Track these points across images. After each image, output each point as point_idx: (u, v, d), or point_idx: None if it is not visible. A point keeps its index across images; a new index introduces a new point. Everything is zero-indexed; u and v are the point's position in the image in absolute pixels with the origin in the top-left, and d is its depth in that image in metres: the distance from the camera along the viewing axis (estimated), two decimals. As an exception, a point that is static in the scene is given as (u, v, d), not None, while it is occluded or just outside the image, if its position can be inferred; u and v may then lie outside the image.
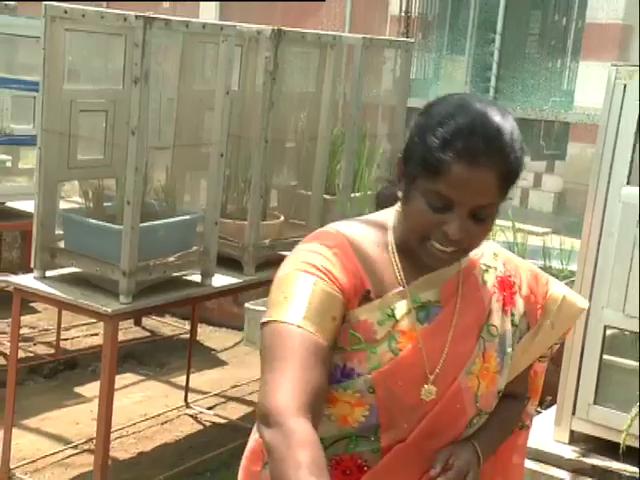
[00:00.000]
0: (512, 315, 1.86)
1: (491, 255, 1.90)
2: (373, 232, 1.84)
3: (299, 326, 1.64)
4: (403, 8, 10.85)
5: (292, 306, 1.67)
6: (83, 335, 6.21)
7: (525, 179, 10.56)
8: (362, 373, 1.72)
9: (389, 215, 1.85)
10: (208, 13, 12.11)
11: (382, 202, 1.94)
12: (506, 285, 1.87)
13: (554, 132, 11.40)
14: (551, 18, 11.83)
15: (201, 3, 12.14)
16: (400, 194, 1.77)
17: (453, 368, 1.77)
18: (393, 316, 1.75)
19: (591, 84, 10.18)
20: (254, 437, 1.91)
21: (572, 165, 10.62)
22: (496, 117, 1.68)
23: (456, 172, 1.64)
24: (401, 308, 1.76)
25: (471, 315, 1.81)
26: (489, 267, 1.87)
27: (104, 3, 11.07)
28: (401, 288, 1.77)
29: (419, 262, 1.78)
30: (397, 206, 1.82)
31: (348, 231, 1.81)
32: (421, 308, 1.78)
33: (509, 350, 1.84)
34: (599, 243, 2.93)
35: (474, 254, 1.85)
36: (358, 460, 1.78)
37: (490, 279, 1.86)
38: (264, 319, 1.69)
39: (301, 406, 1.56)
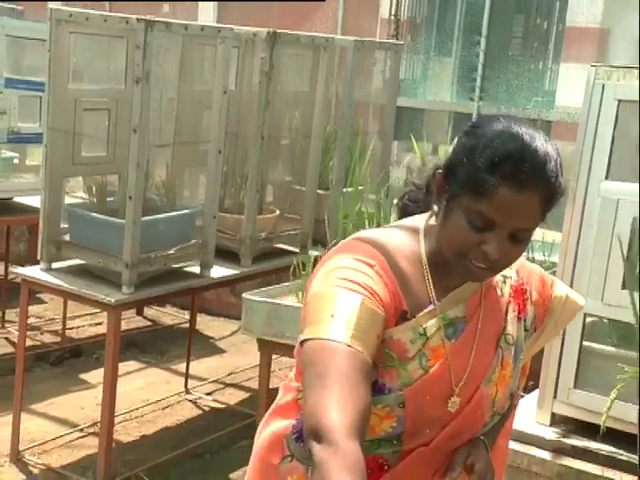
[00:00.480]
0: (524, 321, 1.86)
1: None
2: (405, 245, 1.78)
3: (348, 345, 1.58)
4: (393, 12, 10.82)
5: (339, 324, 1.60)
6: (87, 324, 6.20)
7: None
8: (393, 389, 1.71)
9: (418, 225, 1.81)
10: (207, 13, 12.08)
11: (408, 209, 1.92)
12: (519, 293, 1.86)
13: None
14: (533, 22, 11.80)
15: (200, 3, 12.11)
16: (436, 208, 1.73)
17: (476, 379, 1.77)
18: (425, 334, 1.72)
19: (571, 85, 10.17)
20: (271, 429, 1.87)
21: (554, 162, 10.61)
22: (543, 144, 1.64)
23: (502, 195, 1.60)
24: (432, 327, 1.73)
25: (491, 327, 1.80)
26: (506, 277, 1.84)
27: (106, 4, 11.02)
28: (432, 306, 1.74)
29: (447, 277, 1.75)
30: (426, 216, 1.79)
31: (382, 246, 1.76)
32: (449, 325, 1.76)
33: (521, 356, 1.86)
34: (579, 235, 2.93)
35: None
36: (379, 460, 1.77)
37: (506, 289, 1.84)
38: (307, 336, 1.63)
39: (353, 426, 1.51)
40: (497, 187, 1.60)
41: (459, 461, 1.77)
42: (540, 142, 1.63)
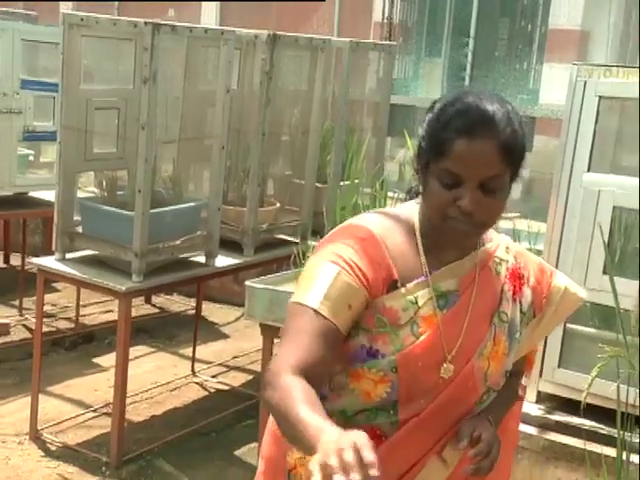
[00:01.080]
0: (520, 304, 1.86)
1: (504, 248, 1.88)
2: (400, 223, 1.82)
3: (315, 310, 1.65)
4: (386, 15, 10.83)
5: (312, 290, 1.68)
6: (99, 312, 6.21)
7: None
8: (386, 354, 1.72)
9: (414, 207, 1.84)
10: (209, 14, 12.06)
11: (412, 196, 1.94)
12: (516, 276, 1.86)
13: (522, 127, 11.38)
14: (518, 24, 11.82)
15: (203, 4, 12.09)
16: (420, 187, 1.77)
17: (468, 350, 1.77)
18: (416, 303, 1.74)
19: (554, 83, 10.19)
20: None
21: (538, 156, 10.56)
22: (491, 100, 1.69)
23: (459, 148, 1.65)
24: (423, 296, 1.75)
25: (485, 303, 1.80)
26: (502, 260, 1.85)
27: (115, 4, 11.00)
28: (424, 278, 1.76)
29: (443, 251, 1.78)
30: (420, 199, 1.82)
31: (377, 224, 1.80)
32: (441, 296, 1.77)
33: (517, 335, 1.84)
34: (563, 224, 2.94)
35: (489, 247, 1.85)
36: (377, 431, 1.76)
37: (502, 271, 1.84)
38: (290, 299, 1.71)
39: (295, 368, 1.57)
40: (453, 142, 1.65)
41: (466, 432, 1.76)
42: (488, 98, 1.69)
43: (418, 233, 1.79)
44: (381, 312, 1.72)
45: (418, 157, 1.76)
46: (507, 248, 1.88)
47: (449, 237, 1.74)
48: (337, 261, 1.70)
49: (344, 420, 1.75)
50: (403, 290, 1.74)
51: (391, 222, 1.82)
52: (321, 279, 1.69)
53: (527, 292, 1.88)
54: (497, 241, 1.88)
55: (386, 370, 1.72)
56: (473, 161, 1.65)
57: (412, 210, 1.83)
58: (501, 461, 1.92)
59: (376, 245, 1.75)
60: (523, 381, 2.04)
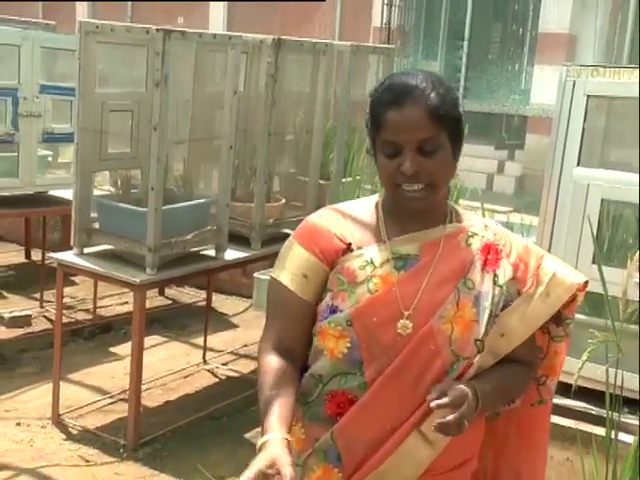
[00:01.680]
0: (495, 276, 1.80)
1: (481, 226, 1.86)
2: (366, 202, 1.91)
3: (277, 279, 1.83)
4: (384, 20, 10.82)
5: (279, 263, 1.85)
6: (115, 303, 6.21)
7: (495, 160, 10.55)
8: (343, 309, 1.76)
9: (381, 191, 1.90)
10: (217, 18, 12.06)
11: None
12: (491, 250, 1.82)
13: (514, 125, 11.39)
14: (510, 28, 11.82)
15: (211, 5, 12.09)
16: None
17: (426, 310, 1.74)
18: (372, 263, 1.78)
19: (544, 84, 10.18)
20: None
21: (530, 153, 10.61)
22: (415, 74, 1.76)
23: (391, 118, 1.71)
24: (380, 257, 1.78)
25: (448, 269, 1.78)
26: (475, 234, 1.83)
27: (128, 4, 10.99)
28: (382, 242, 1.80)
29: (407, 223, 1.81)
30: None
31: (340, 205, 1.91)
32: (399, 259, 1.78)
33: (487, 304, 1.77)
34: (554, 217, 2.94)
35: (463, 224, 1.84)
36: (349, 395, 1.76)
37: (475, 243, 1.82)
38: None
39: (273, 346, 1.79)
40: (386, 114, 1.72)
41: (437, 389, 1.70)
42: (414, 75, 1.76)
43: (380, 207, 1.85)
44: (340, 272, 1.79)
45: (368, 138, 1.82)
46: (485, 226, 1.87)
47: (404, 204, 1.78)
48: (296, 237, 1.85)
49: (322, 386, 1.79)
50: (359, 252, 1.80)
51: (356, 202, 1.94)
52: (283, 255, 1.85)
53: (506, 267, 1.82)
54: (475, 221, 1.88)
55: (343, 324, 1.75)
56: (405, 127, 1.70)
57: (379, 195, 1.91)
58: (530, 477, 1.94)
59: (333, 218, 1.85)
60: (549, 384, 1.95)
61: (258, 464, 1.53)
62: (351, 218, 1.84)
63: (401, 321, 1.74)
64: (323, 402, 1.80)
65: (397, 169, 1.72)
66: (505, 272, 1.81)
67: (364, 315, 1.74)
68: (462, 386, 1.71)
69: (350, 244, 1.80)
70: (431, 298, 1.75)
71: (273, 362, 1.76)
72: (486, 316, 1.77)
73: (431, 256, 1.78)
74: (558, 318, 1.89)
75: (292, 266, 1.81)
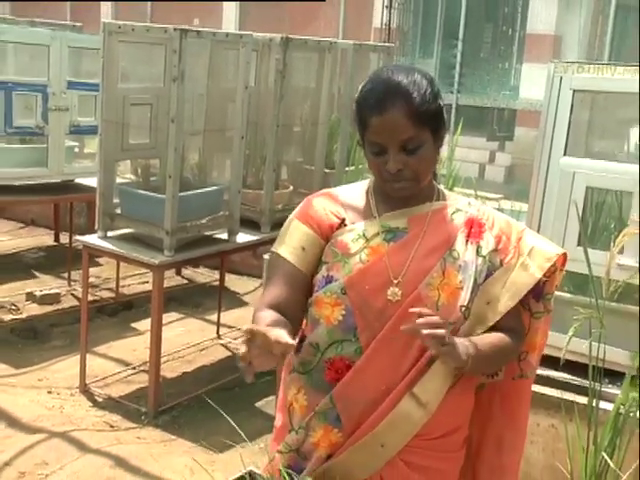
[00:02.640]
0: (478, 247, 1.80)
1: (465, 203, 1.87)
2: (358, 185, 1.93)
3: (277, 252, 1.82)
4: (384, 21, 10.77)
5: (279, 240, 1.85)
6: (136, 283, 6.21)
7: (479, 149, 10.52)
8: (338, 279, 1.77)
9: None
10: (229, 19, 12.02)
11: None
12: (474, 223, 1.82)
13: (504, 119, 11.35)
14: (500, 29, 11.77)
15: (224, 5, 12.05)
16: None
17: (415, 278, 1.75)
18: (364, 236, 1.79)
19: (532, 81, 10.13)
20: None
21: (519, 144, 10.57)
22: (397, 74, 1.73)
23: (375, 121, 1.71)
24: (371, 231, 1.80)
25: (435, 240, 1.78)
26: (459, 210, 1.84)
27: (147, 4, 10.95)
28: (373, 218, 1.82)
29: (394, 202, 1.82)
30: None
31: (337, 187, 1.94)
32: (389, 232, 1.80)
33: (471, 273, 1.77)
34: (542, 203, 2.91)
35: (447, 202, 1.85)
36: (346, 361, 1.77)
37: (459, 218, 1.83)
38: None
39: (267, 305, 1.75)
40: (370, 117, 1.72)
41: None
42: (395, 74, 1.73)
43: (371, 189, 1.86)
44: (334, 245, 1.80)
45: (358, 134, 1.83)
46: (469, 204, 1.87)
47: (391, 194, 1.79)
48: (296, 215, 1.86)
49: (320, 354, 1.80)
50: (352, 226, 1.81)
51: (350, 186, 1.94)
52: (283, 231, 1.86)
53: (489, 239, 1.82)
54: (459, 199, 1.89)
55: (338, 293, 1.76)
56: (388, 131, 1.71)
57: (370, 179, 1.91)
58: (509, 454, 1.93)
59: (329, 197, 1.86)
60: (530, 360, 1.92)
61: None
62: (345, 199, 1.87)
63: (391, 288, 1.75)
64: (323, 370, 1.80)
65: (383, 166, 1.74)
66: (488, 243, 1.82)
67: (357, 283, 1.75)
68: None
69: (344, 219, 1.82)
70: (419, 267, 1.76)
71: (268, 312, 1.73)
72: (470, 284, 1.77)
73: (419, 229, 1.79)
74: (538, 293, 1.87)
75: (291, 240, 1.81)
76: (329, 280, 1.78)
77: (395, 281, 1.74)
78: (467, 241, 1.80)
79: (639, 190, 2.68)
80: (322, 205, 1.84)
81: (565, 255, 1.87)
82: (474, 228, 1.82)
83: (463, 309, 1.76)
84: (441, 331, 1.60)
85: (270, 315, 1.71)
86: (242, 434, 2.00)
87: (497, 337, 1.80)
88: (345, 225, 1.81)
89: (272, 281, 1.81)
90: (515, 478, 1.99)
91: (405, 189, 1.76)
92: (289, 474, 1.75)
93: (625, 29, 9.87)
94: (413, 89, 1.71)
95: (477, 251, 1.80)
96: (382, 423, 1.74)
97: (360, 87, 1.79)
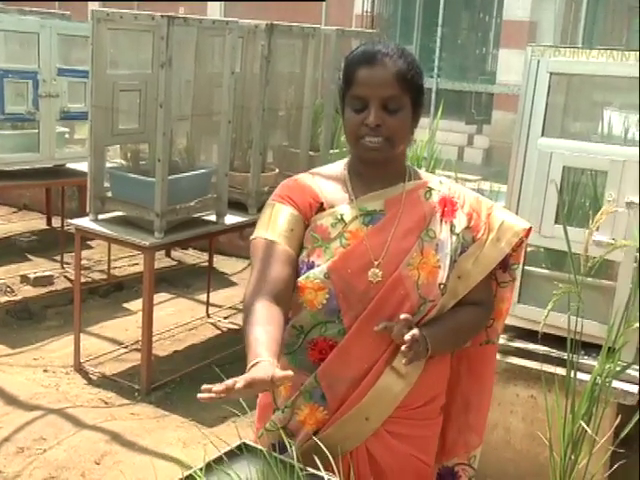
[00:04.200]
0: (452, 226, 1.81)
1: (437, 182, 1.87)
2: (335, 166, 1.91)
3: (264, 238, 1.76)
4: (365, 8, 10.73)
5: (262, 225, 1.79)
6: (127, 264, 6.18)
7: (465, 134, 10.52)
8: (320, 264, 1.75)
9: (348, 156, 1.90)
10: (214, 10, 11.91)
11: None
12: (447, 202, 1.83)
13: (482, 103, 11.36)
14: (477, 16, 11.76)
15: (209, 2, 11.94)
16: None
17: (394, 259, 1.75)
18: (342, 220, 1.78)
19: (509, 66, 10.15)
20: None
21: (496, 128, 10.59)
22: (387, 43, 1.77)
23: (361, 74, 1.72)
24: (350, 215, 1.78)
25: (411, 221, 1.78)
26: (432, 189, 1.84)
27: (134, 4, 10.85)
28: (349, 201, 1.80)
29: (370, 183, 1.81)
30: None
31: (313, 169, 1.91)
32: (366, 215, 1.78)
33: (447, 251, 1.78)
34: (521, 182, 2.92)
35: (420, 181, 1.85)
36: (330, 342, 1.77)
37: (433, 197, 1.83)
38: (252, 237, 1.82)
39: (259, 292, 1.67)
40: (357, 71, 1.73)
41: (385, 323, 1.73)
42: (386, 44, 1.77)
43: (346, 171, 1.85)
44: (314, 230, 1.78)
45: (339, 96, 1.82)
46: (440, 182, 1.88)
47: (364, 155, 1.77)
48: (276, 199, 1.82)
49: (304, 336, 1.79)
50: (330, 210, 1.79)
51: (326, 167, 1.92)
52: (266, 215, 1.80)
53: (461, 217, 1.83)
54: (431, 178, 1.89)
55: (321, 278, 1.74)
56: (373, 83, 1.71)
57: (346, 158, 1.90)
58: (476, 414, 1.96)
59: (306, 180, 1.83)
60: (495, 326, 1.96)
61: (251, 375, 1.48)
62: (321, 181, 1.85)
63: (372, 270, 1.74)
64: (306, 350, 1.80)
65: (362, 122, 1.73)
66: (460, 221, 1.83)
67: (340, 267, 1.74)
68: (416, 329, 1.72)
69: (322, 203, 1.80)
70: (398, 248, 1.76)
71: (259, 302, 1.66)
72: (447, 262, 1.78)
73: (395, 210, 1.79)
74: (505, 264, 1.90)
75: (276, 223, 1.77)
76: (310, 266, 1.76)
77: (376, 263, 1.74)
78: (441, 220, 1.81)
79: (639, 171, 2.69)
80: (300, 187, 1.82)
81: (530, 228, 1.91)
82: (447, 207, 1.83)
83: (441, 286, 1.78)
84: (405, 348, 1.68)
85: (261, 310, 1.64)
86: (233, 410, 1.99)
87: (460, 317, 1.82)
88: (324, 209, 1.79)
89: (261, 263, 1.73)
90: (481, 434, 2.02)
91: (377, 149, 1.74)
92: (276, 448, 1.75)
93: (597, 15, 9.89)
94: (402, 55, 1.75)
95: (451, 229, 1.81)
96: (365, 398, 1.75)
97: (349, 52, 1.80)
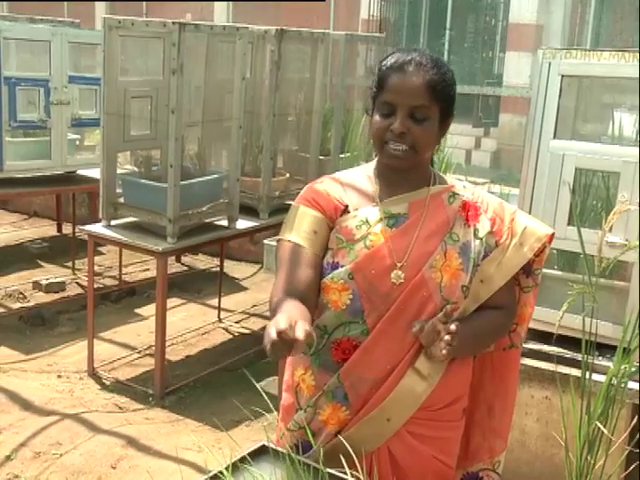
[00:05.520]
0: (475, 230, 1.82)
1: (461, 187, 1.89)
2: (362, 169, 1.92)
3: (289, 240, 1.79)
4: (372, 12, 10.77)
5: (287, 227, 1.82)
6: (138, 270, 6.20)
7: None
8: (344, 264, 1.77)
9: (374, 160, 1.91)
10: (221, 15, 11.94)
11: None
12: (470, 207, 1.84)
13: (489, 106, 11.37)
14: (483, 20, 11.78)
15: (215, 4, 11.97)
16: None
17: (417, 262, 1.76)
18: (367, 222, 1.79)
19: (515, 69, 10.16)
20: None
21: (503, 131, 10.60)
22: (422, 52, 1.79)
23: (393, 80, 1.74)
24: (374, 217, 1.80)
25: (435, 224, 1.80)
26: (456, 194, 1.86)
27: (143, 4, 10.88)
28: (374, 204, 1.82)
29: (395, 187, 1.82)
30: None
31: (338, 173, 1.92)
32: (391, 218, 1.80)
33: (472, 255, 1.80)
34: (534, 183, 2.92)
35: (444, 186, 1.86)
36: (353, 342, 1.78)
37: (456, 202, 1.84)
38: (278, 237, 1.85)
39: (285, 293, 1.71)
40: (389, 77, 1.75)
41: (419, 322, 1.75)
42: (420, 52, 1.78)
43: (373, 175, 1.86)
44: (339, 232, 1.80)
45: (370, 99, 1.82)
46: (464, 187, 1.89)
47: (388, 161, 1.79)
48: (301, 201, 1.83)
49: (328, 336, 1.81)
50: (355, 212, 1.81)
51: (351, 171, 1.94)
52: (291, 217, 1.83)
53: (484, 221, 1.84)
54: (455, 183, 1.90)
55: (345, 278, 1.76)
56: (403, 91, 1.73)
57: (373, 162, 1.91)
58: (500, 418, 1.96)
59: (332, 184, 1.85)
60: (519, 331, 1.97)
61: (278, 323, 1.49)
62: (347, 184, 1.86)
63: (394, 272, 1.76)
64: (329, 350, 1.82)
65: (387, 127, 1.75)
66: (484, 226, 1.84)
67: (363, 268, 1.76)
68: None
69: (347, 206, 1.82)
70: (421, 250, 1.78)
71: (285, 299, 1.69)
72: (470, 265, 1.80)
73: (419, 214, 1.80)
74: (528, 269, 1.91)
75: (301, 226, 1.80)
76: (335, 266, 1.78)
77: (399, 264, 1.76)
78: (465, 224, 1.82)
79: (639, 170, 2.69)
80: (325, 191, 1.83)
81: (553, 234, 1.91)
82: (470, 211, 1.84)
83: (464, 288, 1.79)
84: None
85: (288, 301, 1.67)
86: (247, 414, 2.00)
87: (486, 321, 1.84)
88: (348, 212, 1.81)
89: (286, 265, 1.77)
90: (506, 439, 2.03)
91: (401, 157, 1.75)
92: (298, 449, 1.76)
93: (603, 17, 9.89)
94: (437, 66, 1.76)
95: (474, 234, 1.82)
96: (388, 398, 1.76)
97: (384, 56, 1.82)
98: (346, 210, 1.81)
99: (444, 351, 1.71)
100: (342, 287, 1.76)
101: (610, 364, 2.58)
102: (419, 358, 1.77)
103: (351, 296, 1.76)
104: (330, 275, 1.78)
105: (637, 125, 3.14)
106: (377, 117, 1.77)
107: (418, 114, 1.73)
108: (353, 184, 1.86)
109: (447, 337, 1.69)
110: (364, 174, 1.88)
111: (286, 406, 1.93)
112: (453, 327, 1.70)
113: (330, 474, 1.53)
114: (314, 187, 1.86)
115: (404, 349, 1.77)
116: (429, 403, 1.80)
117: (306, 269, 1.76)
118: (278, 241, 1.84)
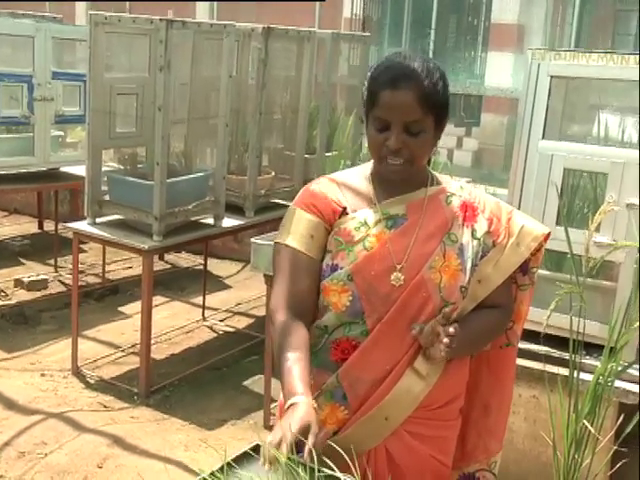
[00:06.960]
0: (473, 230, 1.83)
1: (458, 187, 1.89)
2: (358, 170, 1.91)
3: (287, 245, 1.79)
4: (355, 11, 10.78)
5: (284, 231, 1.82)
6: (121, 268, 6.17)
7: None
8: (344, 266, 1.77)
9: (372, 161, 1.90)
10: (203, 13, 11.87)
11: None
12: (468, 207, 1.85)
13: (471, 105, 11.41)
14: (466, 19, 11.83)
15: (198, 3, 11.91)
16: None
17: (417, 263, 1.76)
18: (366, 224, 1.79)
19: (497, 69, 10.21)
20: None
21: (485, 130, 10.63)
22: (414, 58, 1.74)
23: (384, 97, 1.71)
24: (373, 219, 1.80)
25: (433, 225, 1.80)
26: (453, 194, 1.86)
27: (127, 4, 10.79)
28: (373, 205, 1.81)
29: (392, 188, 1.82)
30: None
31: (334, 174, 1.92)
32: (389, 219, 1.80)
33: (468, 255, 1.80)
34: (522, 184, 2.94)
35: (441, 186, 1.86)
36: (353, 342, 1.78)
37: (454, 202, 1.84)
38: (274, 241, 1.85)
39: (285, 305, 1.74)
40: (380, 92, 1.71)
41: (418, 325, 1.75)
42: (412, 59, 1.74)
43: (369, 176, 1.85)
44: (337, 234, 1.79)
45: (363, 109, 1.81)
46: (461, 187, 1.89)
47: (386, 175, 1.79)
48: (298, 204, 1.83)
49: (327, 336, 1.81)
50: (353, 214, 1.80)
51: (349, 171, 1.93)
52: (288, 220, 1.82)
53: (482, 221, 1.85)
54: (452, 183, 1.90)
55: (345, 280, 1.76)
56: (396, 108, 1.70)
57: (370, 163, 1.90)
58: (496, 417, 1.97)
59: (329, 186, 1.84)
60: (515, 329, 1.98)
61: (293, 426, 1.51)
62: (345, 186, 1.85)
63: (394, 273, 1.76)
64: (329, 349, 1.82)
65: (383, 142, 1.73)
66: (481, 226, 1.84)
67: (363, 270, 1.75)
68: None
69: (345, 208, 1.81)
70: (420, 252, 1.77)
71: (288, 322, 1.72)
72: (469, 265, 1.80)
73: (417, 215, 1.80)
74: (525, 268, 1.92)
75: (298, 229, 1.79)
76: (334, 268, 1.77)
77: (398, 266, 1.76)
78: (463, 225, 1.82)
79: (639, 172, 2.72)
80: (323, 193, 1.82)
81: (549, 233, 1.92)
82: (468, 212, 1.84)
83: (463, 289, 1.80)
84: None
85: (291, 332, 1.70)
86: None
87: (484, 320, 1.85)
88: (347, 213, 1.81)
89: (284, 272, 1.78)
90: (501, 439, 2.04)
91: (399, 170, 1.75)
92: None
93: (584, 18, 9.96)
94: (427, 75, 1.71)
95: (472, 234, 1.83)
96: (386, 398, 1.76)
97: (375, 65, 1.78)
98: (344, 212, 1.81)
99: (443, 353, 1.71)
100: (342, 289, 1.76)
101: (597, 363, 2.60)
102: (418, 358, 1.77)
103: (351, 298, 1.76)
104: (330, 277, 1.77)
105: (622, 126, 3.17)
106: (372, 131, 1.76)
107: (413, 128, 1.71)
108: (350, 185, 1.85)
109: (446, 340, 1.70)
110: (361, 175, 1.88)
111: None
112: (452, 330, 1.71)
113: (326, 474, 1.53)
114: (311, 189, 1.85)
115: (403, 350, 1.77)
116: (427, 402, 1.80)
117: (305, 275, 1.77)
118: (275, 244, 1.83)
